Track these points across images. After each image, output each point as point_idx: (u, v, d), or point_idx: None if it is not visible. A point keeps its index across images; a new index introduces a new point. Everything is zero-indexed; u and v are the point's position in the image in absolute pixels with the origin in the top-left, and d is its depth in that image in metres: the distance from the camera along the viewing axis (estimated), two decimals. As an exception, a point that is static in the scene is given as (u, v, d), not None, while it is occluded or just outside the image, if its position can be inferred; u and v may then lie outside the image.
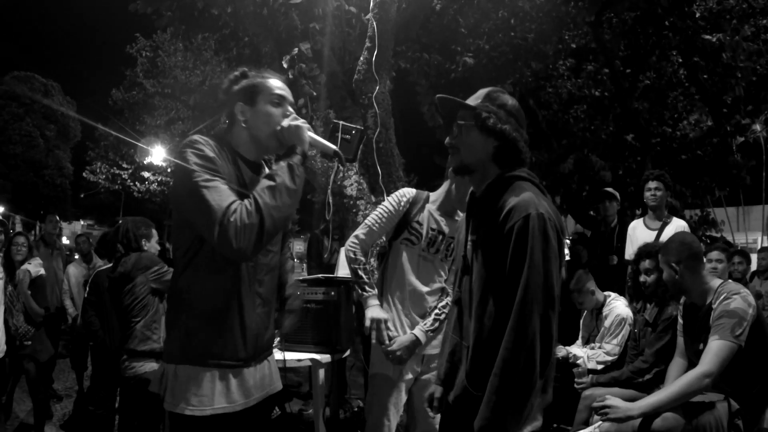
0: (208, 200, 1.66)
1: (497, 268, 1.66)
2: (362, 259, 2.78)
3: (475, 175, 1.82)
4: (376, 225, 2.81)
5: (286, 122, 1.86)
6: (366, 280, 2.74)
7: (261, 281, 1.91)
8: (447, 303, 2.73)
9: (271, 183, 1.72)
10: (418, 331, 2.70)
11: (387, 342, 2.66)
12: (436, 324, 2.73)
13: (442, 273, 2.82)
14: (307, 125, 1.88)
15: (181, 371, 1.79)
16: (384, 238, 2.95)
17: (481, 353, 1.70)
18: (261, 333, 1.92)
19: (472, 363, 1.74)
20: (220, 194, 1.67)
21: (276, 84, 1.92)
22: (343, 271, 3.69)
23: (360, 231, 2.85)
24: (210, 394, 1.79)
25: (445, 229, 2.79)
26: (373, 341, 2.77)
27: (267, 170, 1.97)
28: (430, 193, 2.88)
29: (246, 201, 1.68)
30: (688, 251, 2.85)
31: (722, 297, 2.69)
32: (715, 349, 2.57)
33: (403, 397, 2.80)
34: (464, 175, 1.86)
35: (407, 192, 2.87)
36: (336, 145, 2.25)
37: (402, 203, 2.81)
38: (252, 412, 1.91)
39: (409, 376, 2.79)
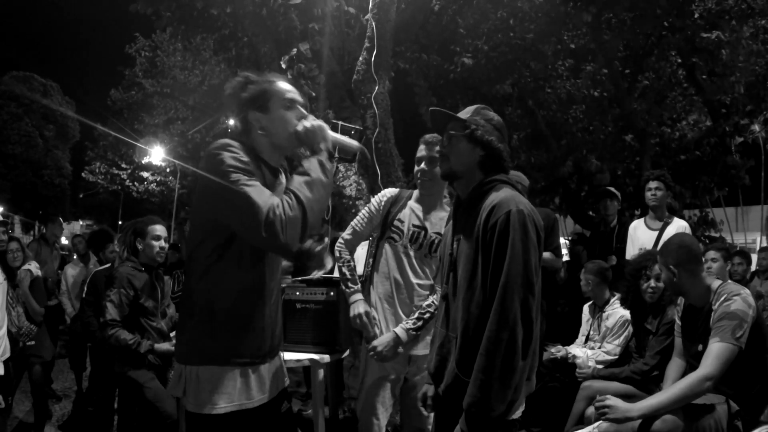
0: (252, 197, 1.68)
1: (482, 260, 1.84)
2: (347, 257, 2.89)
3: (461, 181, 2.01)
4: (359, 226, 2.94)
5: (308, 123, 1.88)
6: (349, 276, 2.85)
7: (275, 279, 1.96)
8: (432, 302, 2.74)
9: (307, 178, 1.76)
10: (399, 330, 2.72)
11: (371, 334, 2.72)
12: (420, 323, 2.72)
13: (427, 270, 2.82)
14: (327, 125, 1.91)
15: (204, 372, 1.80)
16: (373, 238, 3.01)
17: (469, 340, 1.84)
18: (275, 328, 1.97)
19: (461, 350, 1.86)
20: (263, 192, 1.71)
21: (285, 87, 1.95)
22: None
23: (345, 232, 2.98)
24: (233, 392, 1.82)
25: (428, 225, 2.82)
26: (363, 341, 2.80)
27: (283, 176, 2.02)
28: (414, 191, 2.92)
29: (285, 197, 1.72)
30: (687, 253, 2.84)
31: (722, 298, 2.68)
32: (716, 351, 2.56)
33: (391, 397, 2.82)
34: (452, 180, 2.03)
35: (387, 192, 2.97)
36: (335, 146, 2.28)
37: (382, 203, 2.91)
38: (266, 408, 1.94)
39: (394, 375, 2.81)
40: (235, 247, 1.80)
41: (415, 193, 2.91)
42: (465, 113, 2.02)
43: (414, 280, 2.78)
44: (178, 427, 3.37)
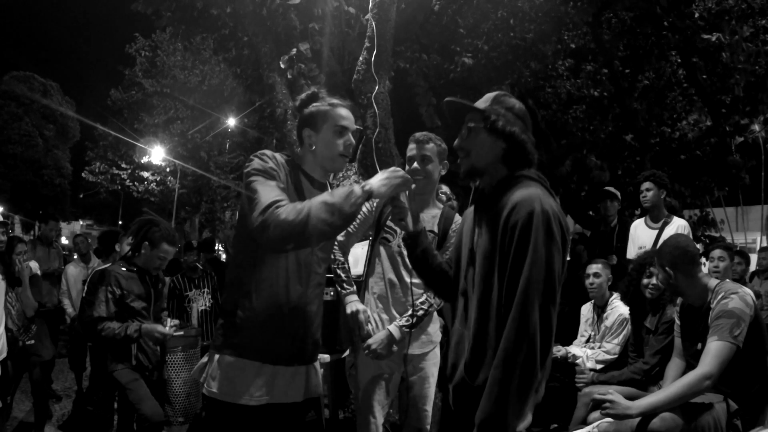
0: (258, 191, 1.84)
1: (499, 261, 1.70)
2: (341, 259, 2.88)
3: (485, 177, 1.86)
4: (352, 227, 2.92)
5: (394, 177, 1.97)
6: (344, 278, 2.85)
7: (305, 289, 2.07)
8: (426, 299, 2.74)
9: (328, 198, 1.83)
10: (393, 327, 2.72)
11: (365, 332, 2.72)
12: (413, 320, 2.71)
13: None
14: (408, 185, 2.03)
15: (223, 360, 1.97)
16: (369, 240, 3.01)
17: (481, 343, 1.73)
18: (301, 335, 2.07)
19: (472, 352, 1.75)
20: (271, 190, 1.85)
21: (341, 113, 2.08)
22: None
23: (339, 234, 2.93)
24: (244, 385, 1.95)
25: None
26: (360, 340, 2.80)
27: (328, 187, 2.16)
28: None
29: (299, 203, 1.82)
30: (683, 254, 2.84)
31: (720, 296, 2.69)
32: (714, 350, 2.56)
33: (388, 396, 2.82)
34: (474, 178, 1.89)
35: None
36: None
37: (375, 204, 2.90)
38: (285, 411, 2.03)
39: (389, 374, 2.81)
40: (258, 257, 1.96)
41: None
42: (483, 102, 1.88)
43: (408, 280, 2.78)
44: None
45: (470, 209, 2.03)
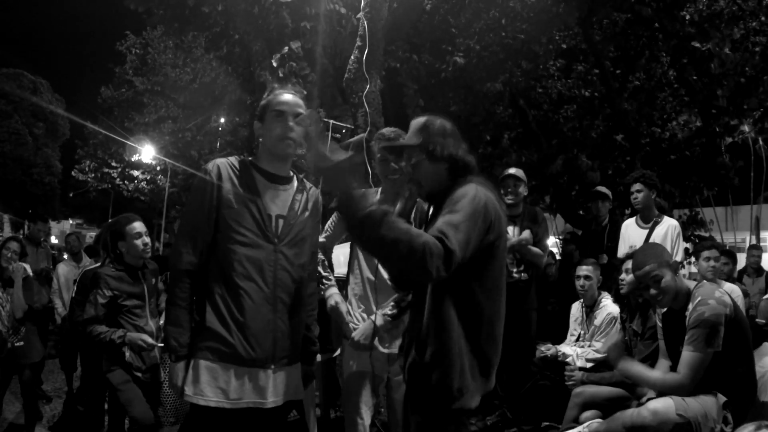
0: (180, 227, 2.17)
1: None
2: (321, 257, 2.89)
3: (440, 193, 2.00)
4: (330, 228, 2.99)
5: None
6: (324, 274, 2.90)
7: (283, 289, 2.10)
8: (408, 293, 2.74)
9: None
10: (374, 316, 2.71)
11: (345, 327, 2.76)
12: (396, 311, 2.72)
13: None
14: None
15: (194, 363, 2.01)
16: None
17: (430, 323, 1.87)
18: (272, 338, 2.07)
19: (425, 332, 1.89)
20: (186, 225, 2.12)
21: (280, 99, 2.12)
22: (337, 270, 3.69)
23: (321, 235, 2.99)
24: (209, 387, 1.97)
25: None
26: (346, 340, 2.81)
27: (293, 184, 2.22)
28: (378, 188, 2.95)
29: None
30: (664, 257, 2.88)
31: (696, 301, 2.73)
32: (689, 361, 2.68)
33: (374, 395, 2.83)
34: (433, 199, 2.05)
35: None
36: (326, 143, 2.30)
37: None
38: (263, 413, 2.06)
39: (376, 374, 2.80)
40: (217, 260, 2.04)
41: (379, 190, 2.91)
42: (415, 134, 2.02)
43: (387, 277, 2.78)
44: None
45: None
